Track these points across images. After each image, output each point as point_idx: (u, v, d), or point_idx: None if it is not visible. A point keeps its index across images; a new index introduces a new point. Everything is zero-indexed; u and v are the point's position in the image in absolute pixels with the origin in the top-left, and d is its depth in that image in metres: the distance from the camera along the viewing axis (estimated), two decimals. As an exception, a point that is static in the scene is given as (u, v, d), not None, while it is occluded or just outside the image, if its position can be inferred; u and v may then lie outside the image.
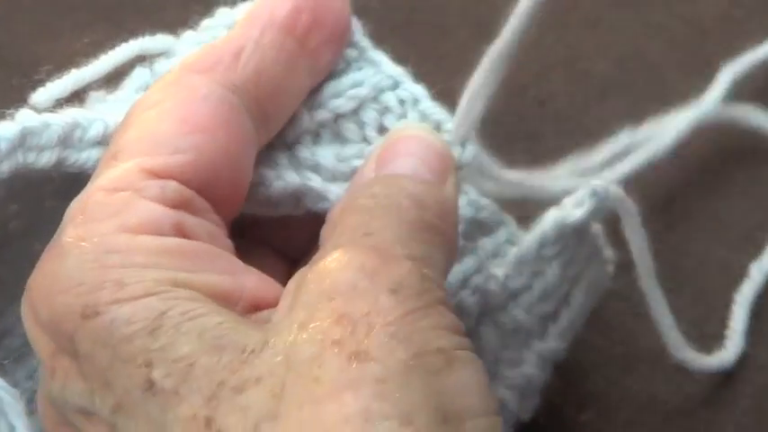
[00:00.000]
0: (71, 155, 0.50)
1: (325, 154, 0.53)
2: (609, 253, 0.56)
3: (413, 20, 0.65)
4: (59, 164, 0.50)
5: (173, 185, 0.47)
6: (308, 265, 0.46)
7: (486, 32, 0.68)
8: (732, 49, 0.66)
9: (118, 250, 0.45)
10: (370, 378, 0.42)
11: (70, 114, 0.51)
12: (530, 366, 0.55)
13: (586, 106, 0.65)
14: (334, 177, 0.52)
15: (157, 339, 0.44)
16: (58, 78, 0.57)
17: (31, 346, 0.49)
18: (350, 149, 0.53)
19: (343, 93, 0.54)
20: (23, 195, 0.52)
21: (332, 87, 0.54)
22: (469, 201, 0.53)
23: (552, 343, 0.55)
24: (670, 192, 0.65)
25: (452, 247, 0.49)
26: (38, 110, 0.56)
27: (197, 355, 0.43)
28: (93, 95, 0.54)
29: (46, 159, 0.50)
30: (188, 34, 0.54)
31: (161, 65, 0.55)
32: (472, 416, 0.43)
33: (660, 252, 0.62)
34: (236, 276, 0.47)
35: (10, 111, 0.51)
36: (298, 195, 0.52)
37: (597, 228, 0.55)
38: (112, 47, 0.58)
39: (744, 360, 0.60)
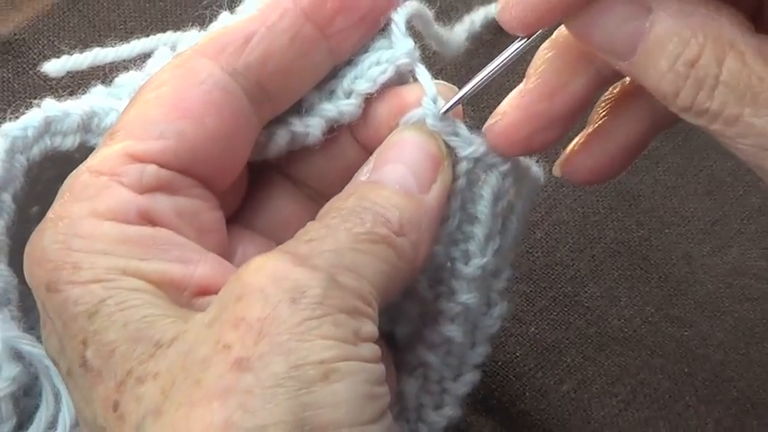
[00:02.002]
0: (91, 138, 0.53)
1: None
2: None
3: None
4: (82, 146, 0.52)
5: (151, 170, 0.48)
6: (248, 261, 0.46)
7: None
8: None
9: (83, 235, 0.47)
10: (241, 388, 0.43)
11: (88, 104, 0.53)
12: (462, 293, 0.54)
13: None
14: (315, 114, 0.53)
15: (93, 323, 0.46)
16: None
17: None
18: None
19: (364, 73, 0.53)
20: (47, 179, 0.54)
21: (353, 66, 0.53)
22: None
23: (477, 260, 0.54)
24: (639, 191, 0.67)
25: (408, 260, 0.49)
26: (49, 78, 0.60)
27: (119, 343, 0.45)
28: (120, 78, 0.55)
29: (70, 143, 0.53)
30: (222, 17, 0.54)
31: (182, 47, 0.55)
32: (337, 426, 0.43)
33: (630, 244, 0.66)
34: (187, 264, 0.48)
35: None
36: (285, 139, 0.53)
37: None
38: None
39: (703, 339, 0.63)
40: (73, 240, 0.47)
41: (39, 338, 0.51)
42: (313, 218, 0.50)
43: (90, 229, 0.47)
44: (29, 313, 0.53)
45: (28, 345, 0.51)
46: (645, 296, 0.64)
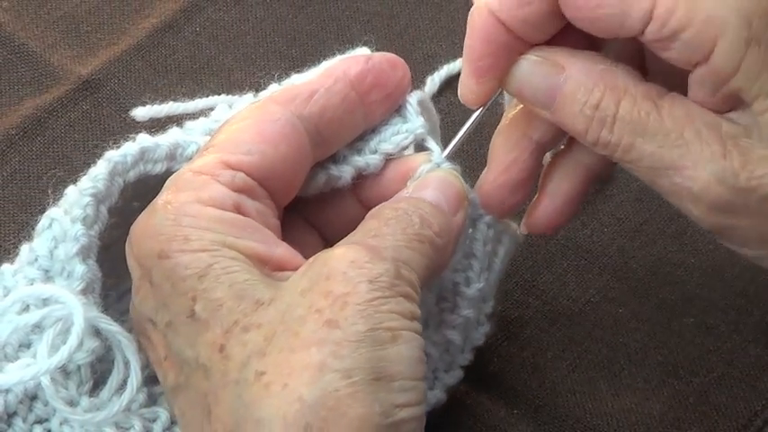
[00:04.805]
0: (175, 165, 0.58)
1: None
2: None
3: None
4: (167, 171, 0.57)
5: (240, 175, 0.54)
6: (325, 250, 0.52)
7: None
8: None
9: (191, 215, 0.52)
10: (332, 340, 0.48)
11: (174, 137, 0.58)
12: (464, 308, 0.59)
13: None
14: (348, 164, 0.58)
15: (203, 283, 0.51)
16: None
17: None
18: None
19: (388, 138, 0.59)
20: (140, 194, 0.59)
21: (377, 133, 0.59)
22: None
23: (476, 284, 0.59)
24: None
25: (441, 258, 0.54)
26: (118, 110, 0.65)
27: (225, 299, 0.50)
28: (189, 123, 0.61)
29: (158, 168, 0.58)
30: (271, 87, 0.61)
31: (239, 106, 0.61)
32: (400, 378, 0.48)
33: (576, 241, 0.70)
34: (269, 245, 0.53)
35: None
36: (324, 179, 0.58)
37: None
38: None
39: (634, 315, 0.66)
40: (182, 218, 0.52)
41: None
42: (315, 244, 0.58)
43: (196, 211, 0.52)
44: (104, 299, 0.58)
45: (105, 323, 0.55)
46: (588, 282, 0.68)
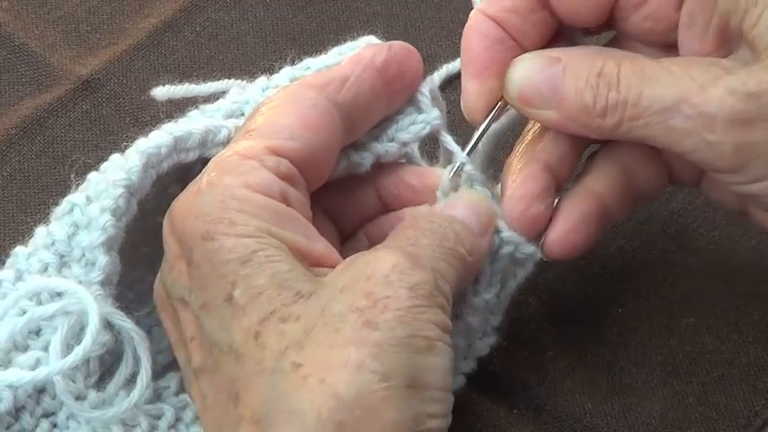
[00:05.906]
0: (207, 151, 0.57)
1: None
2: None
3: None
4: (200, 158, 0.57)
5: (285, 162, 0.54)
6: (364, 251, 0.53)
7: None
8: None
9: (238, 198, 0.52)
10: (372, 341, 0.48)
11: (205, 124, 0.58)
12: (468, 316, 0.59)
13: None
14: (368, 150, 0.59)
15: (245, 268, 0.51)
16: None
17: (151, 292, 0.56)
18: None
19: (405, 128, 0.60)
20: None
21: (394, 122, 0.60)
22: None
23: (483, 295, 0.59)
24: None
25: (470, 274, 0.56)
26: (117, 109, 0.66)
27: (266, 288, 0.50)
28: (203, 106, 0.62)
29: (191, 156, 0.58)
30: (284, 70, 0.62)
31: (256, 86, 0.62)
32: (431, 388, 0.49)
33: None
34: (310, 240, 0.53)
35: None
36: (347, 163, 0.59)
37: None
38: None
39: (634, 315, 0.67)
40: (229, 201, 0.52)
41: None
42: (332, 234, 0.58)
43: (244, 195, 0.52)
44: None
45: (119, 319, 0.55)
46: (588, 281, 0.68)
